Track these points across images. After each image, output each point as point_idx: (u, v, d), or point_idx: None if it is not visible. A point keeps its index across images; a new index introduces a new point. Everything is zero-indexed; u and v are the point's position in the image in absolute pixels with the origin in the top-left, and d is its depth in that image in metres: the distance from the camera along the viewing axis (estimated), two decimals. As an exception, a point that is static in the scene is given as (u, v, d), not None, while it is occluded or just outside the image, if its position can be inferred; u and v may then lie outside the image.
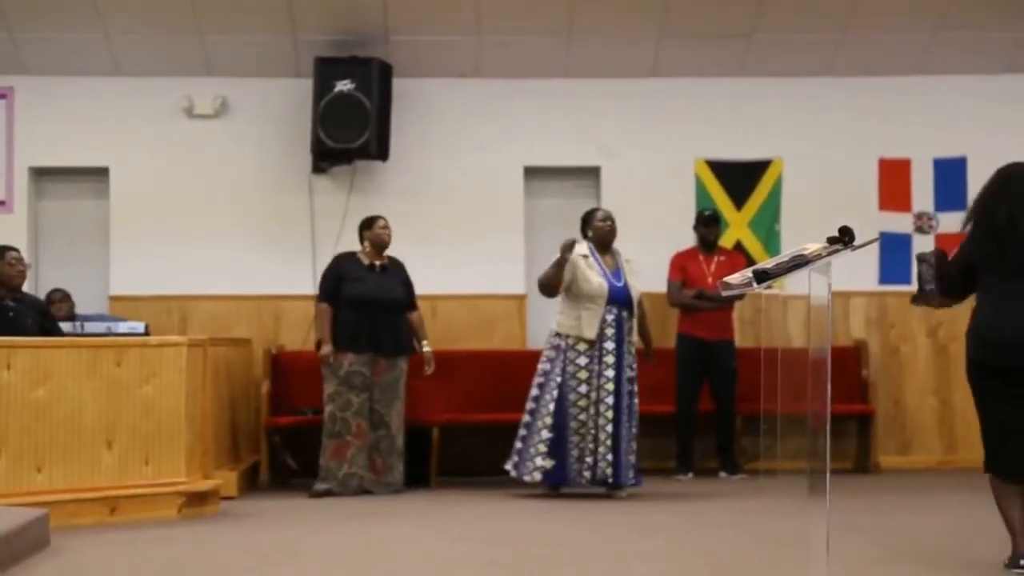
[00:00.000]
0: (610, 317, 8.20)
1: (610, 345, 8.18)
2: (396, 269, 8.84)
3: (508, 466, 8.33)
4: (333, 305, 8.64)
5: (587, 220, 8.51)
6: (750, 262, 9.25)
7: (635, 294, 8.34)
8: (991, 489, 5.51)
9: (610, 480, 8.13)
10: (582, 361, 8.16)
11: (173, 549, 6.32)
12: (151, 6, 9.69)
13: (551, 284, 8.26)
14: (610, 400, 8.12)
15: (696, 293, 9.47)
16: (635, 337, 8.33)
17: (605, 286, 8.21)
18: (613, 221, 8.44)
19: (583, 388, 8.14)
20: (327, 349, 8.57)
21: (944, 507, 7.83)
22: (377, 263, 8.76)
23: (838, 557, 4.83)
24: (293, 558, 6.04)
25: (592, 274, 8.24)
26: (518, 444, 8.31)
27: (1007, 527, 5.49)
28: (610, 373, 8.15)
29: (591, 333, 8.15)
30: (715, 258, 9.63)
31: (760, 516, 7.34)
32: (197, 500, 7.45)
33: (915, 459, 10.13)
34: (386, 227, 8.79)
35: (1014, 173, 5.62)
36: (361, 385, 8.54)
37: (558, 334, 8.26)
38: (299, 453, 9.28)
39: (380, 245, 8.77)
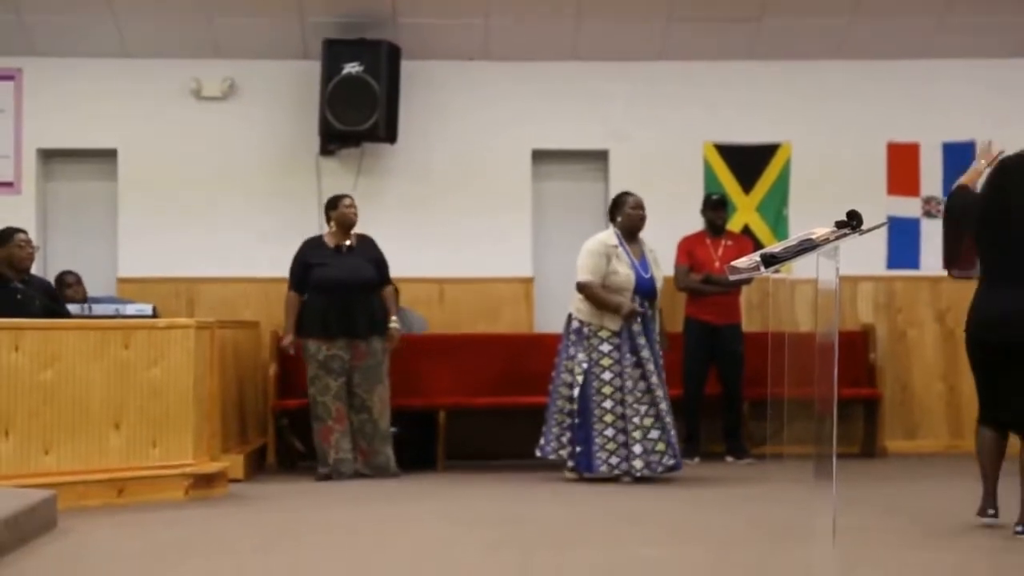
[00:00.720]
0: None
1: (639, 332, 8.05)
2: (365, 247, 8.73)
3: (538, 451, 8.21)
4: (302, 293, 8.61)
5: (618, 205, 8.37)
6: (758, 246, 9.23)
7: (659, 286, 8.28)
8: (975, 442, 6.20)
9: (671, 464, 8.05)
10: (605, 348, 8.04)
11: (180, 531, 6.34)
12: (159, -12, 9.69)
13: (595, 304, 8.08)
14: (660, 392, 8.05)
15: (703, 277, 9.46)
16: (657, 326, 8.27)
17: (633, 278, 8.10)
18: (644, 209, 8.32)
19: (607, 375, 8.03)
20: (288, 339, 8.56)
21: (951, 492, 7.82)
22: (345, 244, 8.68)
23: (844, 540, 4.87)
24: (300, 540, 6.06)
25: (621, 265, 8.12)
26: (555, 430, 8.15)
27: (981, 475, 6.15)
28: (651, 367, 8.05)
29: (615, 324, 8.04)
30: (723, 242, 9.62)
31: (767, 500, 7.34)
32: (204, 482, 7.46)
33: (922, 444, 10.13)
34: (351, 205, 8.70)
35: (1014, 162, 6.02)
36: (339, 369, 8.50)
37: (580, 321, 8.14)
38: (306, 436, 9.29)
39: (346, 225, 8.67)
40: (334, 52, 9.74)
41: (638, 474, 8.00)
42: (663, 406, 8.08)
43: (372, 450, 8.55)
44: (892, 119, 10.23)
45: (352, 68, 9.67)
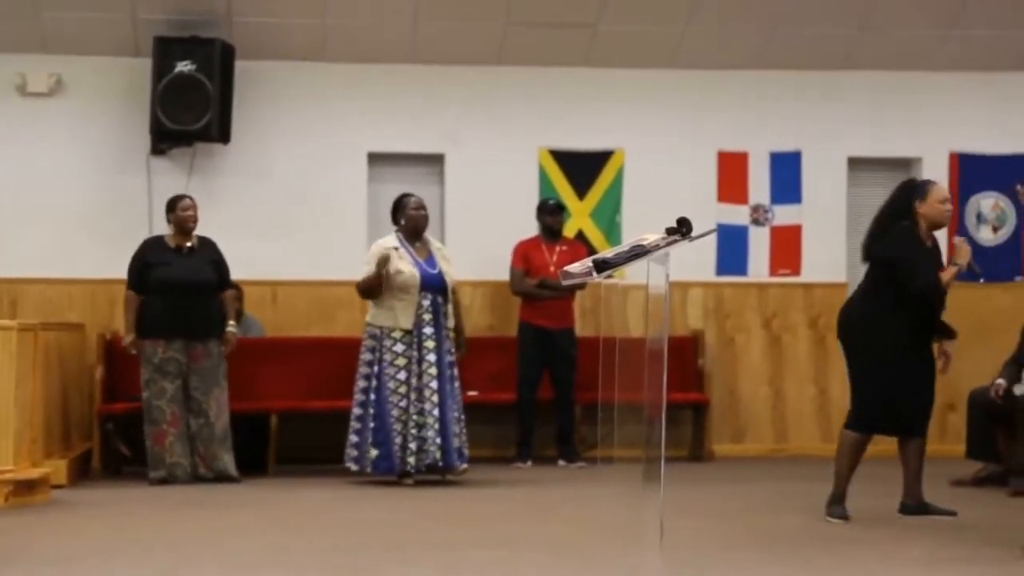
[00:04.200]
0: (426, 303, 8.26)
1: (429, 330, 8.24)
2: (206, 249, 8.64)
3: (348, 462, 8.30)
4: (140, 292, 8.48)
5: (399, 207, 8.53)
6: (592, 252, 9.33)
7: (449, 280, 8.38)
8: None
9: (440, 463, 8.17)
10: (399, 348, 8.20)
11: (0, 539, 6.15)
12: (-17, -21, 9.40)
13: (372, 289, 8.26)
14: (434, 384, 8.18)
15: (539, 282, 9.52)
16: (451, 323, 8.37)
17: (417, 275, 8.25)
18: (425, 209, 8.49)
19: (401, 375, 8.19)
20: (129, 338, 8.43)
21: (775, 493, 8.01)
22: (186, 245, 8.59)
23: (671, 542, 4.91)
24: (127, 546, 5.93)
25: (403, 264, 8.27)
26: (354, 438, 8.30)
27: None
28: (432, 358, 8.20)
29: (407, 323, 8.21)
30: (557, 247, 9.70)
31: (597, 503, 7.43)
32: (25, 488, 7.27)
33: (748, 447, 10.35)
34: (188, 208, 8.60)
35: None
36: (176, 372, 8.39)
37: (372, 325, 8.29)
38: (133, 440, 9.10)
39: (183, 228, 8.59)
40: (166, 50, 9.57)
41: (412, 470, 8.12)
42: (448, 404, 8.18)
43: (210, 455, 8.43)
44: (723, 128, 10.43)
45: (184, 67, 9.52)
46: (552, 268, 9.50)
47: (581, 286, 9.49)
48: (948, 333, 6.83)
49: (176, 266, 8.47)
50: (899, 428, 6.77)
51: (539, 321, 9.54)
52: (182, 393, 8.41)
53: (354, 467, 8.26)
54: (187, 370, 8.41)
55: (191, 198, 8.70)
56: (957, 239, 6.86)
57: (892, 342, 6.65)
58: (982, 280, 6.81)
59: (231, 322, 8.60)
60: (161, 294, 8.40)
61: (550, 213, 9.72)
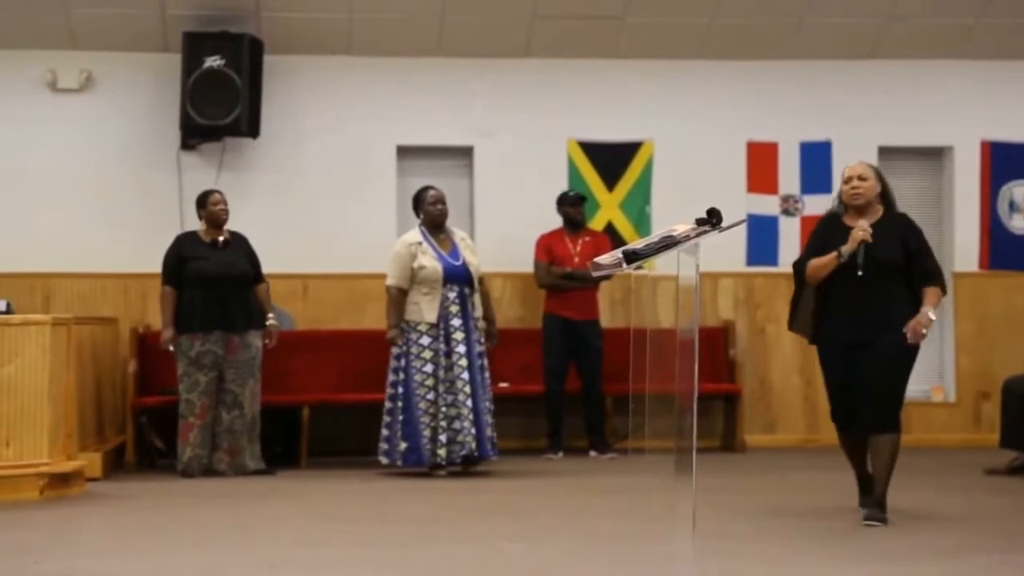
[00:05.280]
0: (452, 295, 8.27)
1: (456, 322, 8.24)
2: (239, 243, 8.70)
3: (380, 456, 8.32)
4: (177, 287, 8.52)
5: (419, 201, 8.54)
6: (618, 243, 9.32)
7: (474, 271, 8.38)
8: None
9: (475, 454, 8.18)
10: (425, 341, 8.21)
11: (35, 532, 6.20)
12: (13, -24, 9.45)
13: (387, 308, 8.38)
14: (466, 376, 8.18)
15: (565, 273, 9.52)
16: (479, 313, 8.38)
17: (440, 268, 8.25)
18: (444, 203, 8.49)
19: (428, 368, 8.19)
20: (168, 334, 8.46)
21: (807, 483, 8.00)
22: (219, 239, 8.63)
23: (703, 532, 4.91)
24: (160, 540, 5.97)
25: (426, 259, 8.27)
26: (384, 431, 8.32)
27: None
28: (461, 349, 8.21)
29: (432, 316, 8.21)
30: (580, 239, 9.69)
31: (628, 494, 7.43)
32: (60, 481, 7.31)
33: (780, 438, 10.33)
34: (219, 202, 8.65)
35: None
36: (211, 364, 8.43)
37: (401, 320, 8.29)
38: (167, 433, 9.16)
39: (216, 222, 8.64)
40: (195, 45, 9.61)
41: (443, 462, 8.14)
42: (480, 395, 8.19)
43: (238, 447, 8.46)
44: (752, 118, 10.41)
45: (213, 62, 9.55)
46: (576, 259, 9.49)
47: (608, 277, 9.48)
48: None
49: (212, 260, 8.52)
50: (846, 422, 6.36)
51: (564, 312, 9.54)
52: (215, 386, 8.45)
53: (384, 460, 8.29)
54: (223, 362, 8.46)
55: (221, 192, 8.75)
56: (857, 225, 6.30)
57: (816, 331, 6.45)
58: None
59: (271, 315, 8.65)
60: (198, 288, 8.45)
61: (571, 204, 9.71)
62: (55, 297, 9.75)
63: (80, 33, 9.80)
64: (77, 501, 7.24)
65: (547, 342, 9.54)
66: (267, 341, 8.58)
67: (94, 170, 9.89)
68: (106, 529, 6.35)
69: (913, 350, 6.21)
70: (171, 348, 8.46)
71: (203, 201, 8.68)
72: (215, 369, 8.44)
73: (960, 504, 7.04)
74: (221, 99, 9.55)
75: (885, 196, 6.41)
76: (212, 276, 8.46)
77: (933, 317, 6.16)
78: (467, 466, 8.32)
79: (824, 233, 6.41)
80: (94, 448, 8.37)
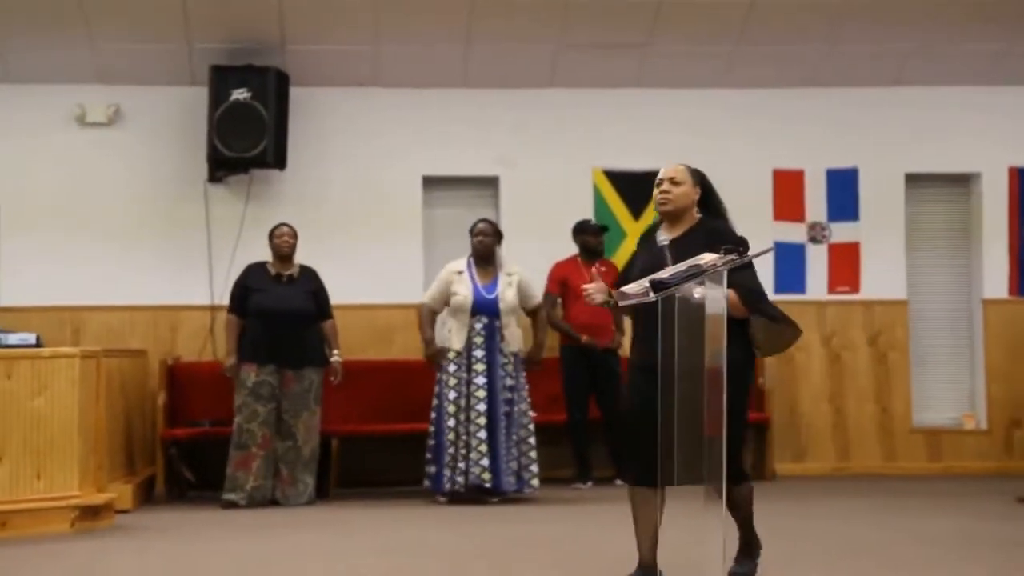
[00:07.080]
0: (479, 326, 8.45)
1: (479, 353, 8.41)
2: (306, 279, 8.79)
3: (426, 482, 8.53)
4: (242, 316, 8.59)
5: (471, 232, 8.74)
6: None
7: (504, 304, 8.49)
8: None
9: (487, 485, 8.23)
10: (451, 368, 8.43)
11: (66, 564, 6.21)
12: (41, 11, 9.51)
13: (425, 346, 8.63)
14: (481, 407, 8.32)
15: (569, 332, 9.43)
16: (513, 348, 8.51)
17: (470, 299, 8.44)
18: (487, 236, 8.62)
19: (452, 395, 8.39)
20: (230, 361, 8.55)
21: (838, 511, 7.95)
22: (285, 273, 8.71)
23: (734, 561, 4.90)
24: (191, 571, 5.97)
25: (461, 287, 8.50)
26: (427, 455, 8.52)
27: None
28: (480, 381, 8.37)
29: (459, 344, 8.44)
30: (594, 267, 9.60)
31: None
32: (90, 514, 7.33)
33: (809, 466, 10.27)
34: (283, 235, 8.76)
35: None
36: (268, 395, 8.51)
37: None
38: (196, 465, 9.18)
39: (279, 255, 8.74)
40: (222, 78, 9.67)
41: (461, 489, 8.30)
42: (498, 428, 8.31)
43: (293, 478, 8.52)
44: (778, 146, 10.40)
45: (240, 95, 9.61)
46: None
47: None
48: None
49: (271, 293, 8.61)
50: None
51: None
52: (276, 416, 8.51)
53: (426, 483, 8.52)
54: (280, 394, 8.55)
55: (289, 225, 8.85)
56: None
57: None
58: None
59: (335, 351, 8.70)
60: (258, 320, 8.57)
61: (593, 234, 9.67)
62: (84, 330, 9.79)
63: (108, 67, 9.87)
64: (107, 533, 7.25)
65: (566, 372, 9.51)
66: (332, 378, 8.66)
67: (122, 203, 9.95)
68: (137, 562, 6.36)
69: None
70: (231, 375, 8.56)
71: (271, 234, 8.80)
72: (273, 400, 8.52)
73: (996, 530, 6.98)
74: (248, 132, 9.61)
75: (707, 204, 5.50)
76: (268, 310, 8.56)
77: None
78: (478, 496, 8.34)
79: (637, 251, 5.64)
80: (124, 480, 8.39)
